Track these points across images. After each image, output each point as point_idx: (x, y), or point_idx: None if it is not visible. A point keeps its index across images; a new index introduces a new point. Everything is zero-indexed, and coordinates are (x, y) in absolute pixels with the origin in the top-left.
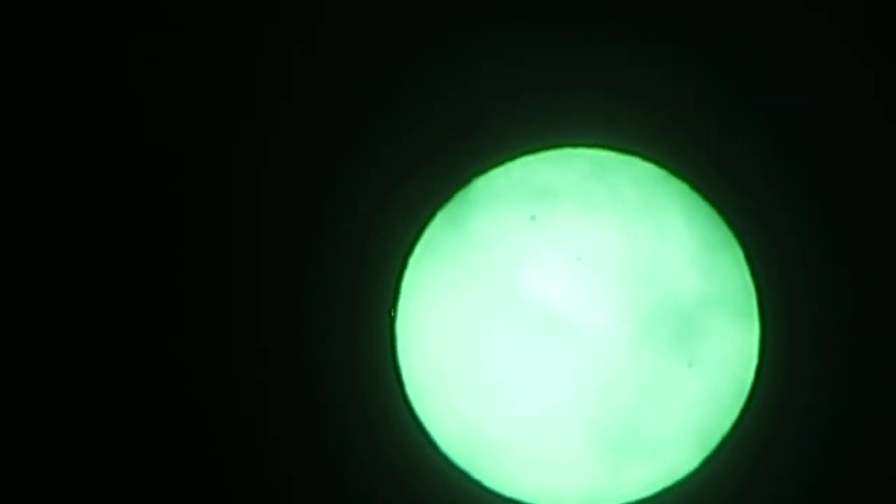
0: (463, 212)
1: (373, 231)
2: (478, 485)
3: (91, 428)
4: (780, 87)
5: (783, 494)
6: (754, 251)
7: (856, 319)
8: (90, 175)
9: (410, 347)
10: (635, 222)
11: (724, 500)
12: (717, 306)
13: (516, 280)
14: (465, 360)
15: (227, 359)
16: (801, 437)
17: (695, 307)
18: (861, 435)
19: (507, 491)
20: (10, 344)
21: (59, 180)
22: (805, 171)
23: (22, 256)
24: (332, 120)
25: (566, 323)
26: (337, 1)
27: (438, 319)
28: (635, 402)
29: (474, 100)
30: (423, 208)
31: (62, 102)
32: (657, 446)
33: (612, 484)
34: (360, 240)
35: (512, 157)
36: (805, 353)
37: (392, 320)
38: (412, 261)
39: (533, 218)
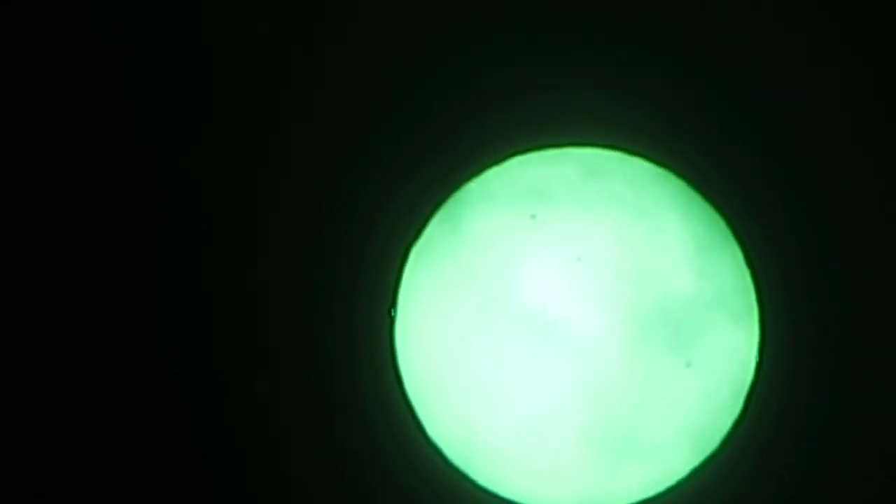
0: (461, 212)
1: (373, 231)
2: (475, 485)
3: (91, 428)
4: (779, 87)
5: (783, 495)
6: (754, 251)
7: (856, 319)
8: (90, 175)
9: (409, 348)
10: (633, 223)
11: (724, 502)
12: (716, 306)
13: (513, 281)
14: (464, 360)
15: (227, 359)
16: (801, 437)
17: (693, 307)
18: (861, 435)
19: (504, 492)
20: (10, 344)
21: (58, 180)
22: (805, 171)
23: (22, 256)
24: (332, 120)
25: (564, 323)
26: (337, 1)
27: (437, 320)
28: (633, 402)
29: (474, 100)
30: (423, 208)
31: (62, 102)
32: (655, 448)
33: (610, 485)
34: (359, 240)
35: (511, 157)
36: (805, 353)
37: (392, 320)
38: (411, 261)
39: (533, 217)
